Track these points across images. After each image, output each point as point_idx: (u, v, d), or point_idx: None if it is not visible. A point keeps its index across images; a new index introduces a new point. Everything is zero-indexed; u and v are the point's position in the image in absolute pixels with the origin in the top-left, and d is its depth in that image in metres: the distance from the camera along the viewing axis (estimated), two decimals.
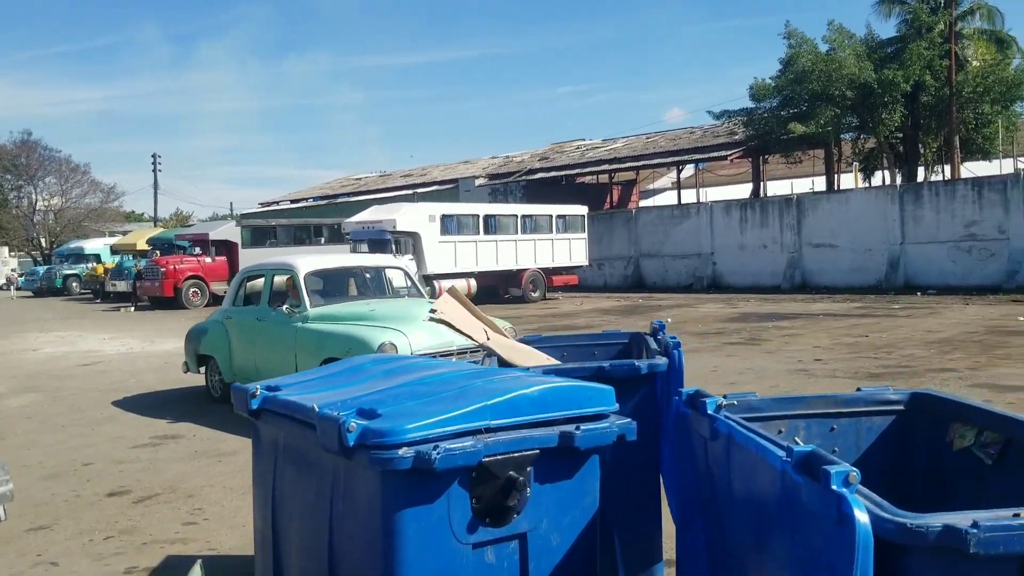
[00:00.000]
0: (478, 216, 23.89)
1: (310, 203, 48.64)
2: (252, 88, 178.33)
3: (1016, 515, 1.75)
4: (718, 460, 2.62)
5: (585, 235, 26.13)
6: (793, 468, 2.03)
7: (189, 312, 24.62)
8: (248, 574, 3.65)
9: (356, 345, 7.69)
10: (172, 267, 26.64)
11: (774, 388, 9.20)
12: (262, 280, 9.50)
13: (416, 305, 8.70)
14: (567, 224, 25.62)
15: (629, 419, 2.63)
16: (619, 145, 38.83)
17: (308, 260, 9.26)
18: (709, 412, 2.60)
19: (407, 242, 21.83)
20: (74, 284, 37.59)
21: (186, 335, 10.46)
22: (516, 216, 24.75)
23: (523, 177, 36.65)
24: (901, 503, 3.09)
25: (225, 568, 4.61)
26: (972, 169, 27.66)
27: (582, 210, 26.38)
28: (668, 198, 38.71)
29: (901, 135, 27.94)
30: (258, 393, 2.86)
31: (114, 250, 38.03)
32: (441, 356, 7.91)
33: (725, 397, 2.97)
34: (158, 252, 29.18)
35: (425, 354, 7.80)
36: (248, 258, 22.79)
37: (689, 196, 35.67)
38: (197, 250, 27.57)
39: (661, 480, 3.74)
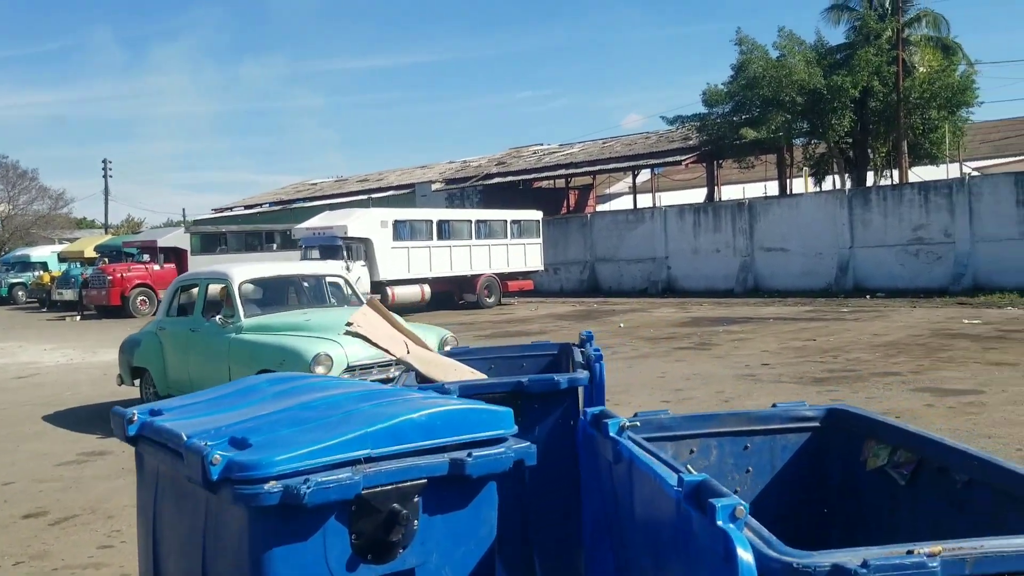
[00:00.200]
0: (432, 221, 23.61)
1: (265, 208, 47.95)
2: (207, 92, 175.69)
3: (909, 552, 1.64)
4: (622, 482, 2.50)
5: (540, 240, 26.05)
6: (684, 499, 1.91)
7: (136, 321, 23.97)
8: None
9: (289, 356, 7.48)
10: (119, 275, 25.96)
11: (719, 393, 9.16)
12: (196, 289, 9.21)
13: None
14: (522, 229, 25.51)
15: (528, 443, 2.47)
16: (576, 150, 38.80)
17: (243, 269, 9.01)
18: (611, 435, 2.47)
19: (359, 248, 21.50)
20: (20, 293, 36.60)
21: (120, 347, 10.10)
22: (470, 221, 24.53)
23: (480, 182, 36.48)
24: (815, 522, 3.02)
25: None
26: (920, 174, 28.10)
27: (537, 215, 26.33)
28: (624, 203, 38.78)
29: (851, 140, 28.26)
30: (135, 419, 2.66)
31: (61, 258, 37.25)
32: (379, 367, 7.74)
33: (635, 416, 2.85)
34: (106, 260, 28.53)
35: (361, 365, 7.62)
36: (198, 265, 22.29)
37: (645, 201, 35.78)
38: (146, 257, 26.97)
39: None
